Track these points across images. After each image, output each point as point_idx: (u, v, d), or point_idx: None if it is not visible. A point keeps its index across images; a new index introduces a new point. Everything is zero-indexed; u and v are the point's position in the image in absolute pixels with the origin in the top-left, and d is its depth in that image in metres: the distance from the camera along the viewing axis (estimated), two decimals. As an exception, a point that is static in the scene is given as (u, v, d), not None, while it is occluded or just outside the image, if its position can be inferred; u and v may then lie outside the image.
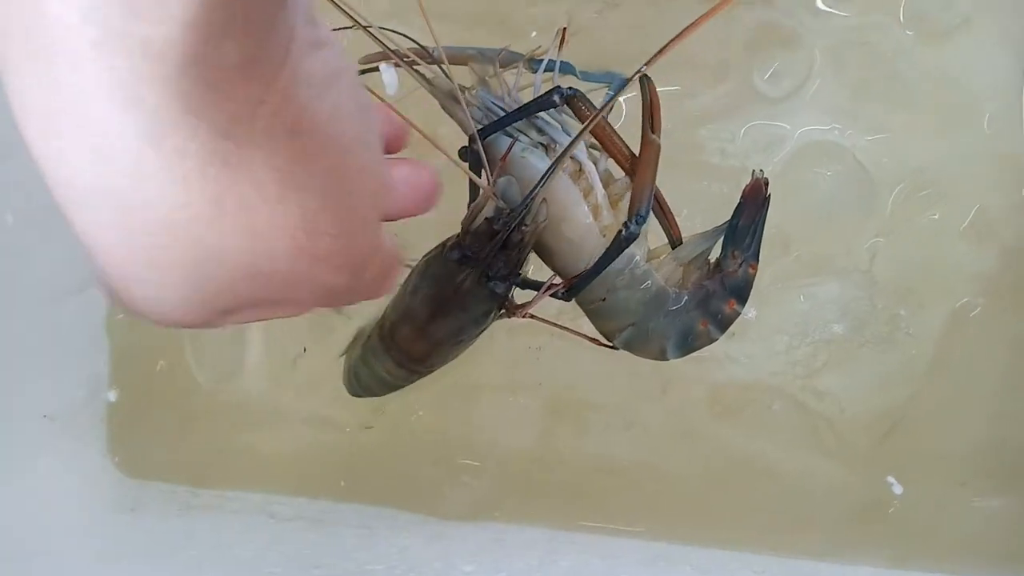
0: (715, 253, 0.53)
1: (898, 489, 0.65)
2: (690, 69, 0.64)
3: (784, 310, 0.64)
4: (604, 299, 0.52)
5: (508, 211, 0.47)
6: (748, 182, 0.50)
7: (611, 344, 0.55)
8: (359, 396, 0.60)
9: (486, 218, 0.47)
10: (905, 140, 0.64)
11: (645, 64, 0.43)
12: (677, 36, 0.41)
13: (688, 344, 0.53)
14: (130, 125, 0.20)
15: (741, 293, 0.51)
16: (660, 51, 0.42)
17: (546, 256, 0.52)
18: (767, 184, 0.50)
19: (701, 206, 0.60)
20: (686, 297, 0.52)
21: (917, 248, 0.64)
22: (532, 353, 0.66)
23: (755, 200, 0.50)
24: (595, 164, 0.49)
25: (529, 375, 0.66)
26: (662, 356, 0.54)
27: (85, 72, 0.20)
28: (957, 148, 0.63)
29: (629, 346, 0.54)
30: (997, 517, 0.65)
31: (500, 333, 0.65)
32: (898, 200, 0.64)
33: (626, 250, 0.49)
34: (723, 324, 0.52)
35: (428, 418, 0.67)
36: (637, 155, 0.49)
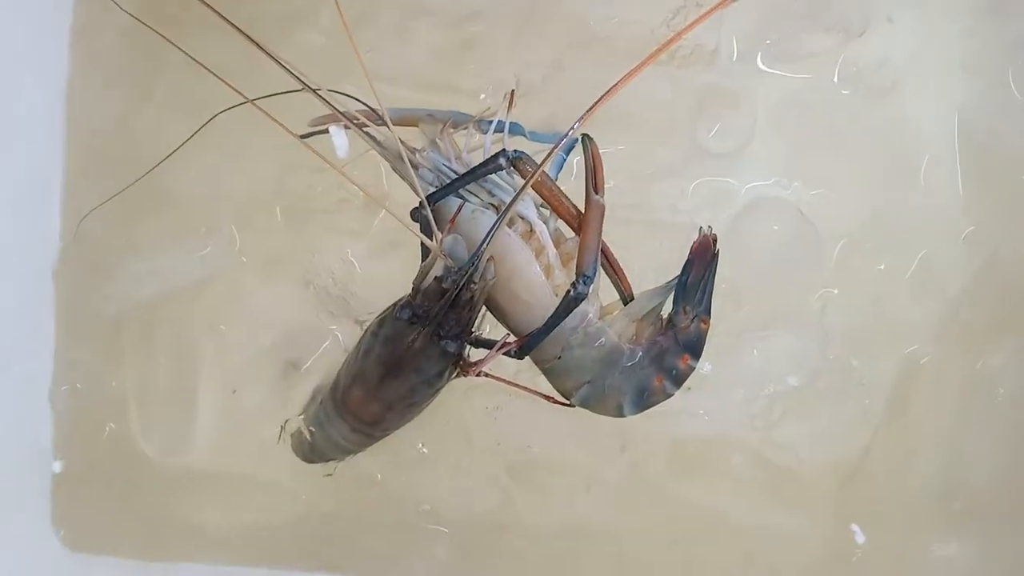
0: (667, 308, 0.53)
1: (860, 538, 0.65)
2: (638, 129, 0.66)
3: (739, 363, 0.65)
4: (559, 357, 0.52)
5: (456, 269, 0.47)
6: (696, 238, 0.51)
7: (568, 402, 0.55)
8: (312, 462, 0.59)
9: (435, 277, 0.47)
10: (848, 194, 0.65)
11: (579, 120, 0.44)
12: (607, 92, 0.42)
13: (644, 400, 0.53)
14: None
15: (695, 348, 0.52)
16: (592, 107, 0.43)
17: (500, 315, 0.52)
18: (715, 240, 0.51)
19: (653, 262, 0.60)
20: (640, 353, 0.52)
21: (866, 298, 0.65)
22: (489, 414, 0.65)
23: (703, 256, 0.51)
24: (546, 224, 0.50)
25: (487, 436, 0.66)
26: (619, 413, 0.54)
27: None
28: (897, 200, 0.65)
29: (586, 404, 0.54)
30: (957, 562, 0.65)
31: (456, 394, 0.65)
32: (844, 252, 0.65)
33: (579, 308, 0.49)
34: (678, 380, 0.53)
35: (385, 483, 0.66)
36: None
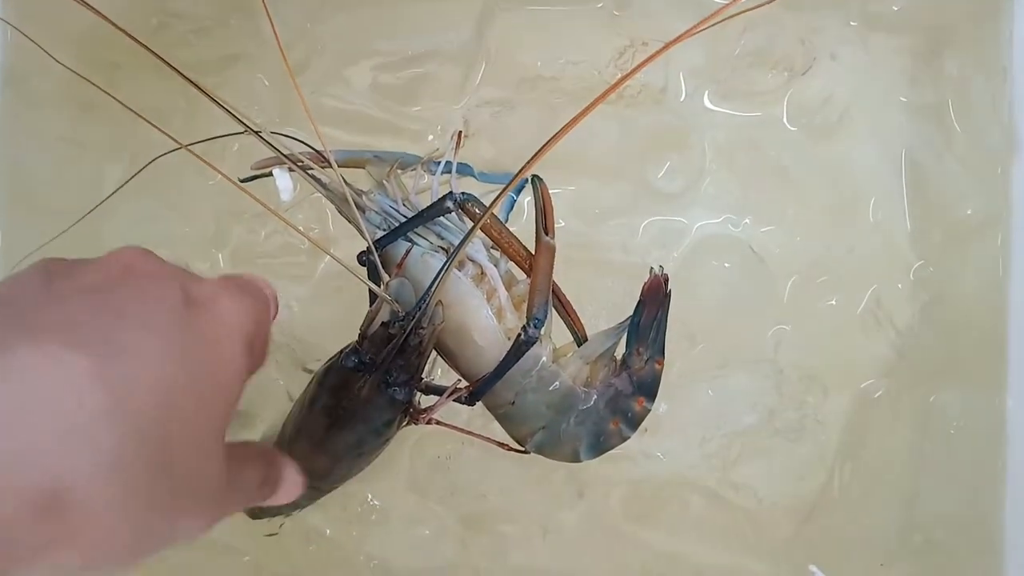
0: (621, 350, 0.52)
1: (820, 577, 0.64)
2: (587, 170, 0.65)
3: (695, 403, 0.64)
4: (513, 403, 0.51)
5: (403, 314, 0.45)
6: (647, 279, 0.50)
7: (523, 449, 0.53)
8: (259, 518, 0.57)
9: (382, 322, 0.46)
10: (797, 230, 0.66)
11: (529, 162, 0.43)
12: (557, 133, 0.42)
13: (601, 445, 0.52)
14: None
15: (649, 390, 0.51)
16: (542, 148, 0.43)
17: (451, 361, 0.51)
18: (667, 280, 0.50)
19: (606, 303, 0.60)
20: (595, 396, 0.51)
21: (818, 335, 0.65)
22: (442, 463, 0.63)
23: (655, 297, 0.50)
24: (496, 266, 0.49)
25: (440, 486, 0.64)
26: (575, 458, 0.53)
27: None
28: (846, 236, 0.65)
29: (541, 450, 0.53)
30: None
31: (408, 444, 0.63)
32: (796, 288, 0.65)
33: (531, 352, 0.48)
34: (634, 422, 0.52)
35: (335, 538, 0.63)
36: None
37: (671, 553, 0.65)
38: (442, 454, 0.63)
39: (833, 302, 0.65)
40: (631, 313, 0.51)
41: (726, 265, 0.65)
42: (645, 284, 0.50)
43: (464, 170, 0.56)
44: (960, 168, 0.64)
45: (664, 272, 0.50)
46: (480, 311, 0.48)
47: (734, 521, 0.64)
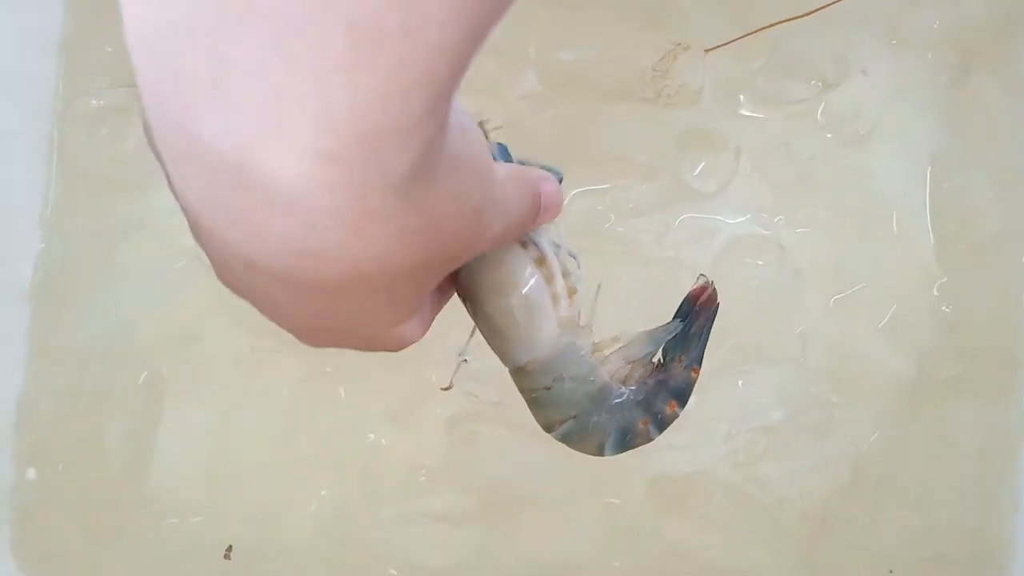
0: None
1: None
2: (623, 166, 0.66)
3: (722, 398, 0.65)
4: (549, 388, 0.51)
5: None
6: (697, 288, 0.51)
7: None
8: None
9: None
10: (826, 235, 0.67)
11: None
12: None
13: (627, 442, 0.53)
14: None
15: (683, 395, 0.52)
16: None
17: (497, 339, 0.50)
18: (716, 292, 0.51)
19: (638, 294, 0.61)
20: (628, 394, 0.52)
21: (843, 338, 0.66)
22: (461, 449, 0.63)
23: (708, 309, 0.51)
24: (557, 255, 0.49)
25: (461, 469, 0.64)
26: (600, 452, 0.53)
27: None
28: (872, 246, 0.67)
29: (567, 439, 0.53)
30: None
31: (436, 423, 0.63)
32: (823, 292, 0.66)
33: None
34: (663, 424, 0.52)
35: (332, 518, 0.64)
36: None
37: (688, 546, 0.65)
38: (460, 439, 0.63)
39: (856, 308, 0.66)
40: (663, 303, 0.51)
41: (759, 263, 0.66)
42: (700, 295, 0.51)
43: (502, 153, 0.56)
44: (986, 184, 0.65)
45: (713, 284, 0.51)
46: (543, 295, 0.48)
47: (755, 519, 0.65)
